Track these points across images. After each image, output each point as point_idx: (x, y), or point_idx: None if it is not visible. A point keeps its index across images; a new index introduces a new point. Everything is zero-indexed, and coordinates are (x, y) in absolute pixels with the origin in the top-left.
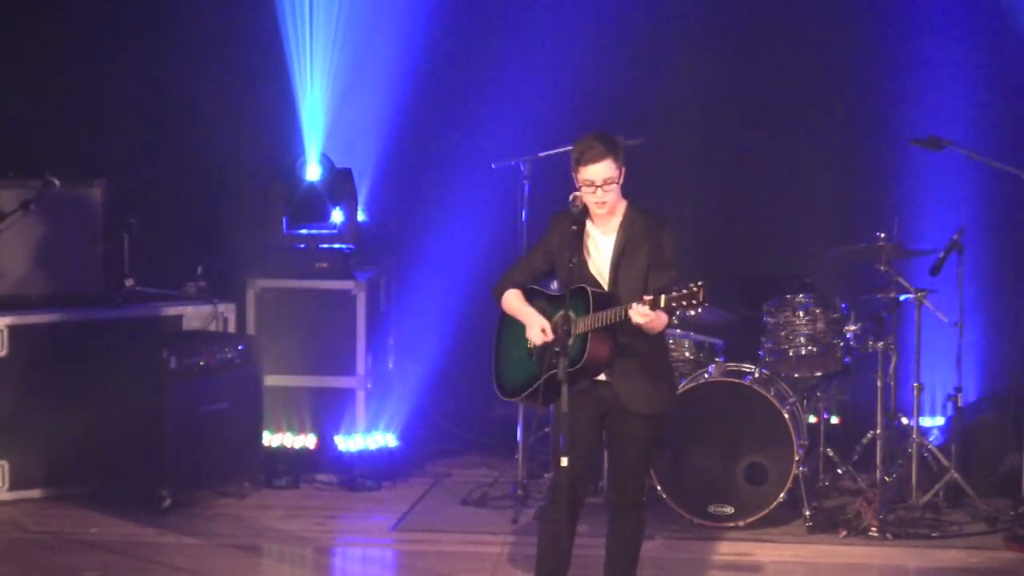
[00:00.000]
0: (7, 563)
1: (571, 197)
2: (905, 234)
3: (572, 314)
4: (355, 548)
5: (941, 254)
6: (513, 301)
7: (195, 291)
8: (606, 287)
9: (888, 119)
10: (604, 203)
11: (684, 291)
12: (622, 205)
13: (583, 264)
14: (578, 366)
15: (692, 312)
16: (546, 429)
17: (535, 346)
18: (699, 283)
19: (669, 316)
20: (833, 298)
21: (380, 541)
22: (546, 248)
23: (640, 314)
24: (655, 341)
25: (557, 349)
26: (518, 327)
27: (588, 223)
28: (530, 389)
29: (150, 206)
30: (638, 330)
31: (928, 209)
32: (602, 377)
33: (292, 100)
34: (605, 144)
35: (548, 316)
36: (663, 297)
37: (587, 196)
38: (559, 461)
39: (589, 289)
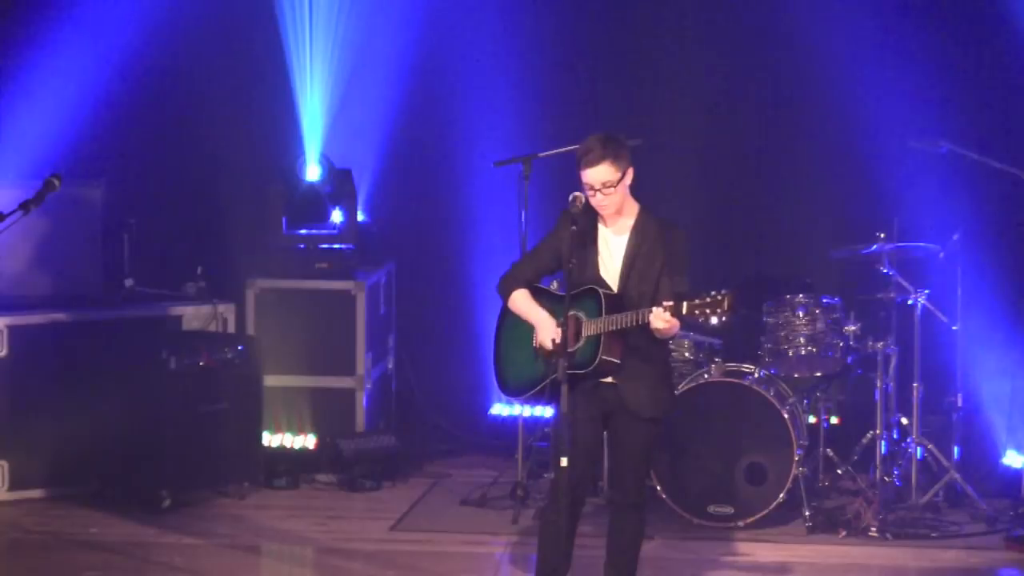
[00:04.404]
0: (7, 563)
1: (571, 197)
2: (905, 234)
3: (582, 315)
4: (355, 548)
5: (941, 254)
6: (521, 302)
7: (195, 291)
8: (616, 288)
9: (888, 119)
10: (604, 206)
11: (708, 299)
12: (633, 207)
13: (594, 264)
14: (589, 368)
15: (715, 320)
16: (546, 429)
17: (542, 348)
18: (724, 291)
19: (681, 321)
20: (833, 298)
21: (380, 541)
22: (555, 245)
23: (663, 320)
24: (660, 345)
25: (579, 347)
26: (521, 325)
27: (599, 224)
28: (536, 388)
29: (150, 206)
30: (648, 333)
31: (928, 209)
32: (608, 379)
33: (292, 100)
34: (604, 147)
35: (556, 317)
36: (685, 304)
37: (589, 198)
38: (560, 460)
39: (600, 291)
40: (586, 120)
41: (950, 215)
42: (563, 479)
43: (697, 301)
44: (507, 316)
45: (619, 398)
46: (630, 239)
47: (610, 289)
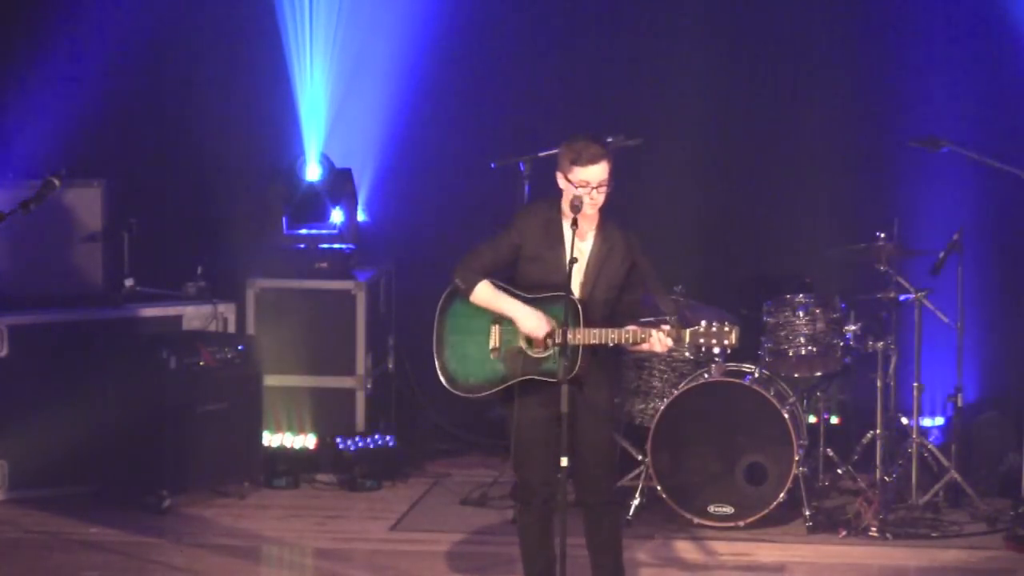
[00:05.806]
0: (7, 563)
1: (571, 198)
2: (905, 234)
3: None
4: (355, 548)
5: (941, 254)
6: (487, 293)
7: (195, 291)
8: (579, 292)
9: (888, 119)
10: (597, 204)
11: (714, 328)
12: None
13: (558, 267)
14: (570, 376)
15: (717, 350)
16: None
17: (500, 345)
18: (729, 324)
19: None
20: (833, 298)
21: (380, 541)
22: (515, 241)
23: (662, 344)
24: (619, 350)
25: (551, 353)
26: (472, 319)
27: (564, 225)
28: (496, 388)
29: (150, 206)
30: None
31: (928, 209)
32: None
33: (292, 100)
34: (602, 145)
35: None
36: (688, 332)
37: (581, 197)
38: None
39: (577, 300)
40: (586, 120)
41: (950, 215)
42: (563, 478)
43: (701, 329)
44: (452, 305)
45: (584, 400)
46: (595, 244)
47: (572, 293)
